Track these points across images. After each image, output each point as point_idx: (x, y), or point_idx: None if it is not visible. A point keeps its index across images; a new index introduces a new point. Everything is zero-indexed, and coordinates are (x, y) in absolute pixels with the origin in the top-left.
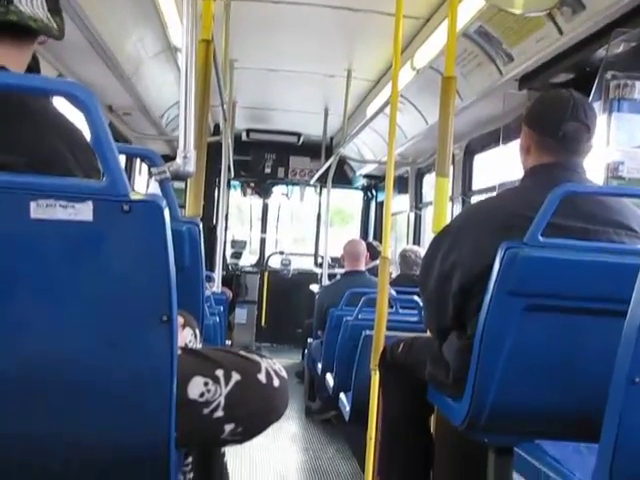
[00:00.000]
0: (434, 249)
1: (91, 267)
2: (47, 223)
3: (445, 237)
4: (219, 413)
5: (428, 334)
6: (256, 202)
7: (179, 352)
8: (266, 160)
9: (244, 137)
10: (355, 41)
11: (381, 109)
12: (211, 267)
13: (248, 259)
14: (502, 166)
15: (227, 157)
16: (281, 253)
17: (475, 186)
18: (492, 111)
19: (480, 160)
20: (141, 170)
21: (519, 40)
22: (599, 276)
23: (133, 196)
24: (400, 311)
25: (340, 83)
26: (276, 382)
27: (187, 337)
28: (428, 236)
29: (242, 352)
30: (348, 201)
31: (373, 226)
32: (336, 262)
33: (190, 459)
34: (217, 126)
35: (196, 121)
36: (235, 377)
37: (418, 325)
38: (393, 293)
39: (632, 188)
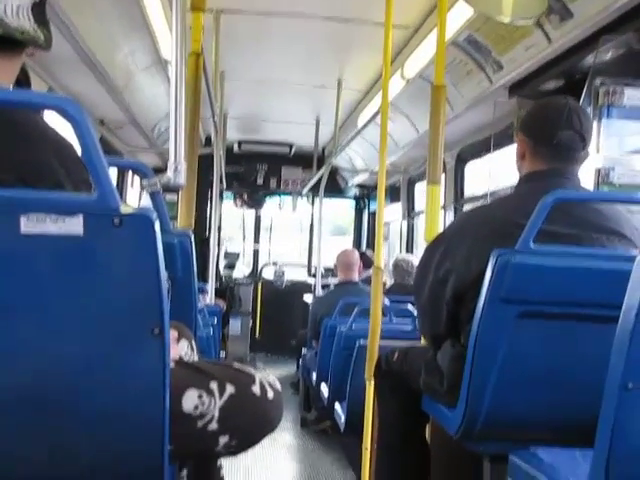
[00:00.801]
0: (429, 256)
1: (82, 281)
2: (37, 238)
3: (440, 244)
4: (213, 426)
5: (422, 342)
6: (249, 213)
7: (173, 365)
8: (258, 171)
9: (236, 148)
10: (345, 51)
11: (372, 118)
12: (204, 279)
13: (242, 270)
14: (494, 173)
15: (219, 169)
16: (274, 264)
17: (467, 194)
18: (483, 119)
19: (472, 168)
20: (133, 183)
21: (508, 48)
22: (591, 282)
23: (123, 209)
24: (394, 320)
25: (331, 93)
26: (270, 394)
27: (183, 349)
28: (421, 244)
29: (236, 364)
30: (341, 211)
31: (366, 236)
32: (329, 272)
33: (185, 472)
34: (209, 138)
35: (187, 133)
36: (229, 389)
37: (412, 334)
38: (386, 302)
39: (623, 194)
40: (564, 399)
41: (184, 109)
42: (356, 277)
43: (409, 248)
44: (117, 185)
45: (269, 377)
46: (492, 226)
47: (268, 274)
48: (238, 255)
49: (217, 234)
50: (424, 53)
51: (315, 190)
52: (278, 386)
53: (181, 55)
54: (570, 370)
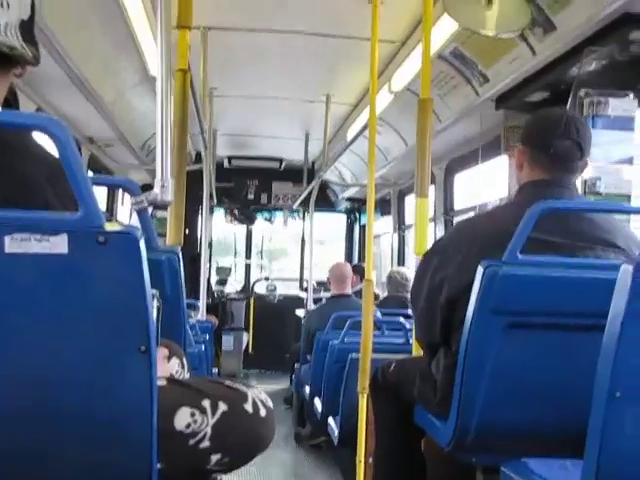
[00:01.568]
0: (425, 265)
1: (67, 299)
2: (22, 257)
3: (435, 253)
4: (205, 443)
5: (414, 355)
6: (240, 229)
7: (164, 383)
8: (249, 186)
9: (226, 164)
10: (333, 66)
11: (360, 132)
12: (195, 295)
13: (233, 286)
14: (482, 185)
15: (209, 184)
16: (266, 279)
17: (457, 206)
18: (470, 131)
19: (462, 179)
20: (124, 201)
21: (494, 61)
22: (577, 292)
23: (108, 227)
24: (386, 333)
25: (320, 108)
26: (262, 412)
27: (174, 367)
28: (412, 257)
29: (228, 382)
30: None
31: (357, 249)
32: (322, 286)
33: None
34: (199, 154)
35: (175, 150)
36: (222, 407)
37: (405, 347)
38: (379, 315)
39: (611, 203)
40: (554, 409)
41: (171, 126)
42: (349, 290)
43: (401, 261)
44: (107, 203)
45: (261, 394)
46: (487, 235)
47: (260, 289)
48: (230, 270)
49: (208, 250)
50: (410, 67)
51: (306, 204)
52: (270, 404)
53: (167, 72)
54: (560, 380)
